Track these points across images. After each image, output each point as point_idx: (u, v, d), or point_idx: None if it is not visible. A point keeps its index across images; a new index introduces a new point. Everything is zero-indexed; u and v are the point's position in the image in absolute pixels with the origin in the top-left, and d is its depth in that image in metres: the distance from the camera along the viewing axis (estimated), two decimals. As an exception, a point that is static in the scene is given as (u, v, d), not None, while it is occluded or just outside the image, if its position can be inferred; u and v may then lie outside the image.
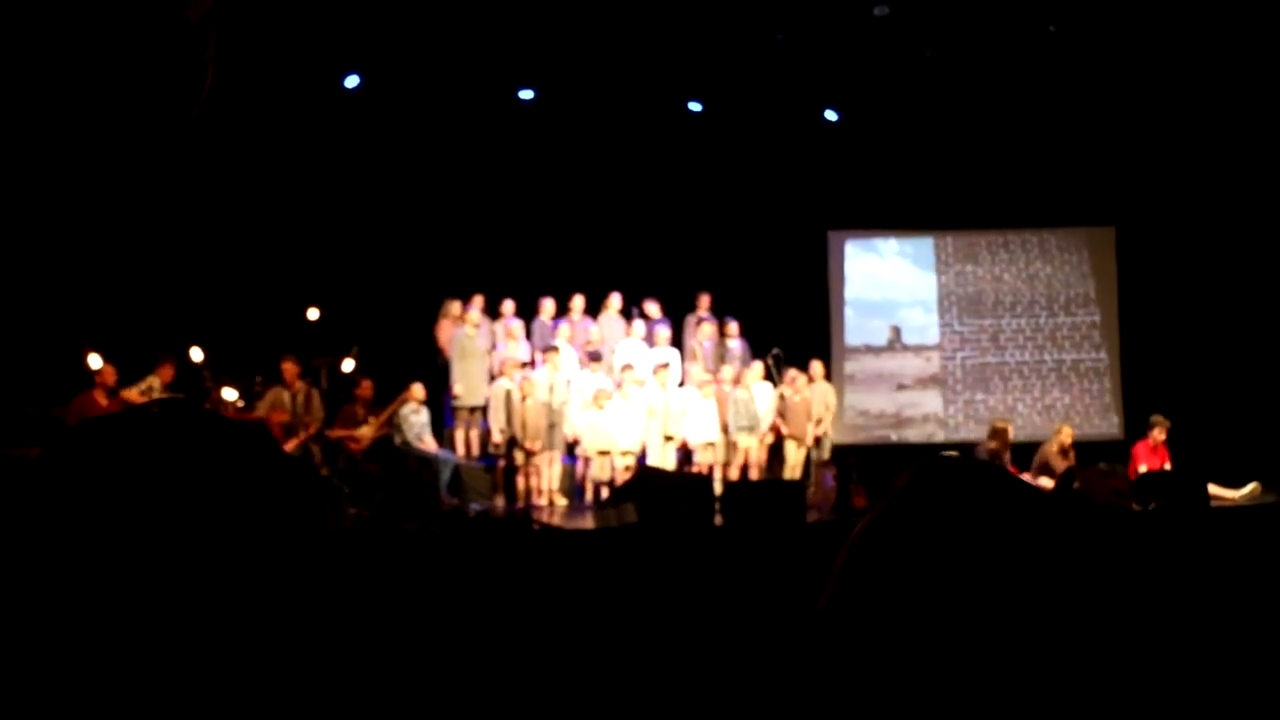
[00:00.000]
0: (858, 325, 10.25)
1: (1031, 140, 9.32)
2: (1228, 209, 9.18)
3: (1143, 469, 7.56)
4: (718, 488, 7.77)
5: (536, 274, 9.35)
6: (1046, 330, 9.75)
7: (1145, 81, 8.65)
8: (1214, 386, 8.84)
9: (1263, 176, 8.90)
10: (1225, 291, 9.21)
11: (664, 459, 8.33)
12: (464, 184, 9.71)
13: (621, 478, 8.06)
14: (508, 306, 9.03)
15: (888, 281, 10.37)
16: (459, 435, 8.71)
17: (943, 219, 10.10)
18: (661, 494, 7.19)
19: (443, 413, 8.79)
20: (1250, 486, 7.56)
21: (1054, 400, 9.51)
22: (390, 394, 8.24)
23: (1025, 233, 10.07)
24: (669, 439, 8.42)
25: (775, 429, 8.71)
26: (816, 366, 8.89)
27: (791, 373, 8.65)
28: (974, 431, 9.30)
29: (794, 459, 8.57)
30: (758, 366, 8.77)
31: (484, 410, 8.59)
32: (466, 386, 8.62)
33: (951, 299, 10.05)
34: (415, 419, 8.42)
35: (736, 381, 8.62)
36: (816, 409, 8.76)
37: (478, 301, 8.84)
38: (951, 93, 9.03)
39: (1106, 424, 9.50)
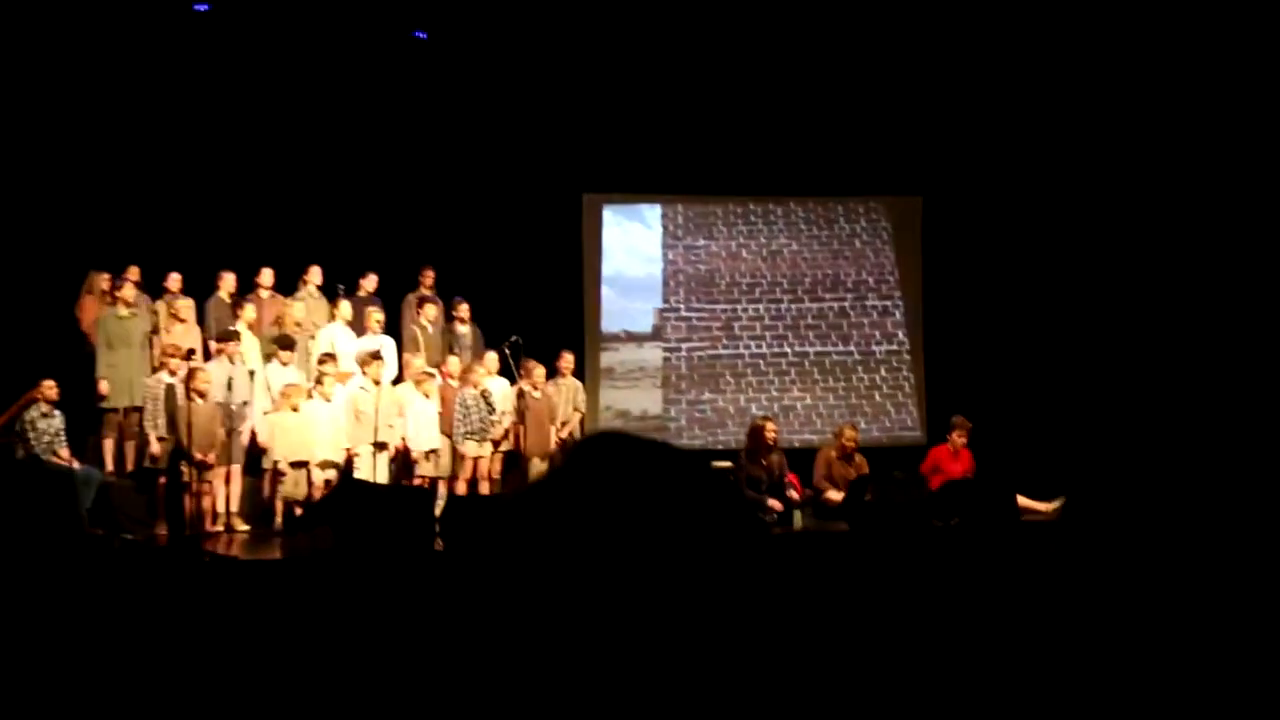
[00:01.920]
0: (618, 308, 8.81)
1: (828, 99, 8.46)
2: (1048, 182, 8.56)
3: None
4: (440, 505, 6.84)
5: (212, 241, 7.81)
6: (810, 317, 8.73)
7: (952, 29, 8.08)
8: (1024, 383, 8.25)
9: (1095, 150, 8.40)
10: (1041, 275, 8.53)
11: (374, 471, 7.18)
12: (120, 125, 7.87)
13: (321, 495, 6.92)
14: (173, 280, 7.50)
15: (654, 256, 8.93)
16: (107, 445, 7.21)
17: (719, 183, 8.90)
18: (367, 514, 6.22)
19: (85, 416, 7.27)
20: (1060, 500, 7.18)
21: (815, 400, 8.50)
22: (12, 392, 6.80)
23: (809, 201, 9.00)
24: (380, 447, 7.25)
25: (513, 434, 7.69)
26: (566, 359, 7.89)
27: (532, 365, 7.61)
28: (699, 437, 8.35)
29: (536, 471, 7.58)
30: (492, 358, 7.70)
31: (140, 413, 7.05)
32: (115, 382, 7.09)
33: (678, 279, 8.79)
34: (45, 424, 6.90)
35: (465, 376, 7.51)
36: (563, 410, 7.80)
37: (132, 273, 7.30)
38: (738, 38, 8.08)
39: (901, 425, 8.58)
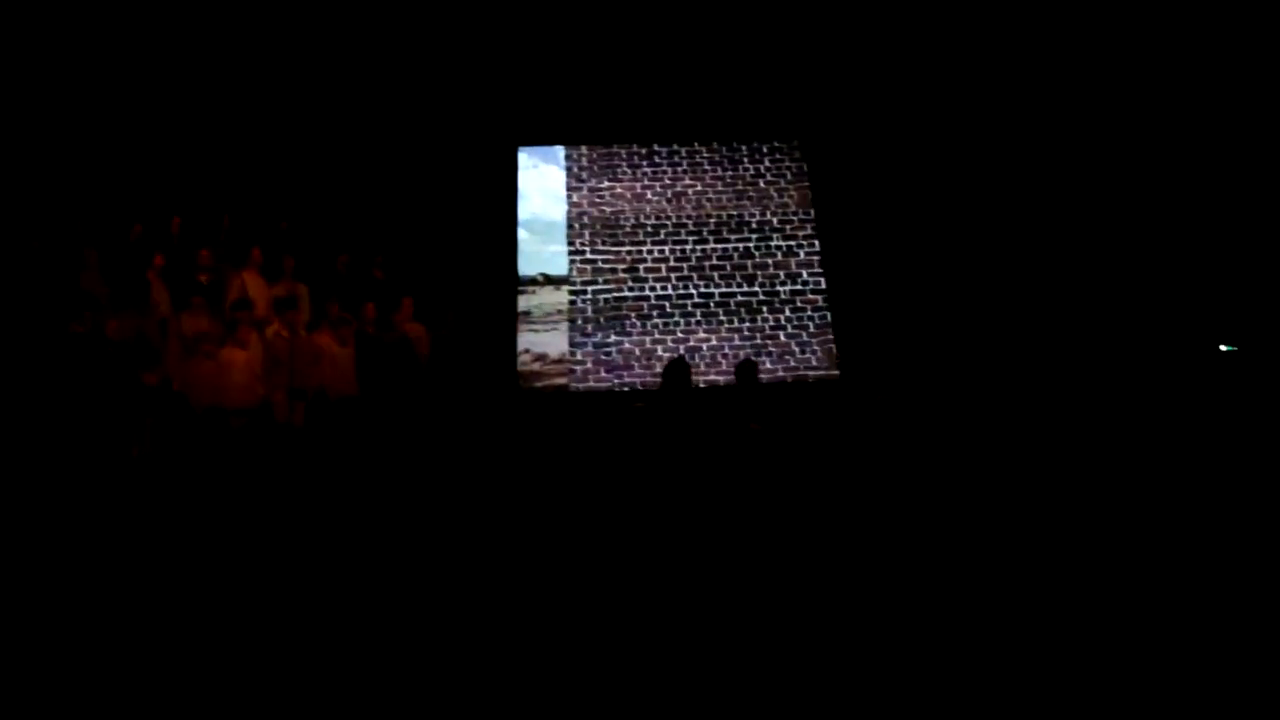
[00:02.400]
0: (533, 251, 8.97)
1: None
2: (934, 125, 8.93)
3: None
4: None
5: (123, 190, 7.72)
6: (715, 258, 8.95)
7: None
8: (930, 321, 8.56)
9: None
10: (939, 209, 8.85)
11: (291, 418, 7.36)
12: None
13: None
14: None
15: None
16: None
17: (625, 129, 9.06)
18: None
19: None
20: None
21: (721, 341, 8.66)
22: None
23: (712, 144, 9.17)
24: (298, 394, 7.43)
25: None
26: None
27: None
28: (605, 380, 8.55)
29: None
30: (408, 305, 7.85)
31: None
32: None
33: (583, 221, 8.97)
34: None
35: (383, 323, 7.70)
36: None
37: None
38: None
39: (805, 364, 8.65)
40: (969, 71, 8.85)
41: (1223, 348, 7.87)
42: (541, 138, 9.00)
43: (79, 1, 7.80)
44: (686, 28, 8.61)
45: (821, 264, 8.89)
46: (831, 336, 8.65)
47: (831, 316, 8.67)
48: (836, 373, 8.50)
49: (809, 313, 8.74)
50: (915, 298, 8.52)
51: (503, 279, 8.45)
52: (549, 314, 8.76)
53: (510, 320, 8.35)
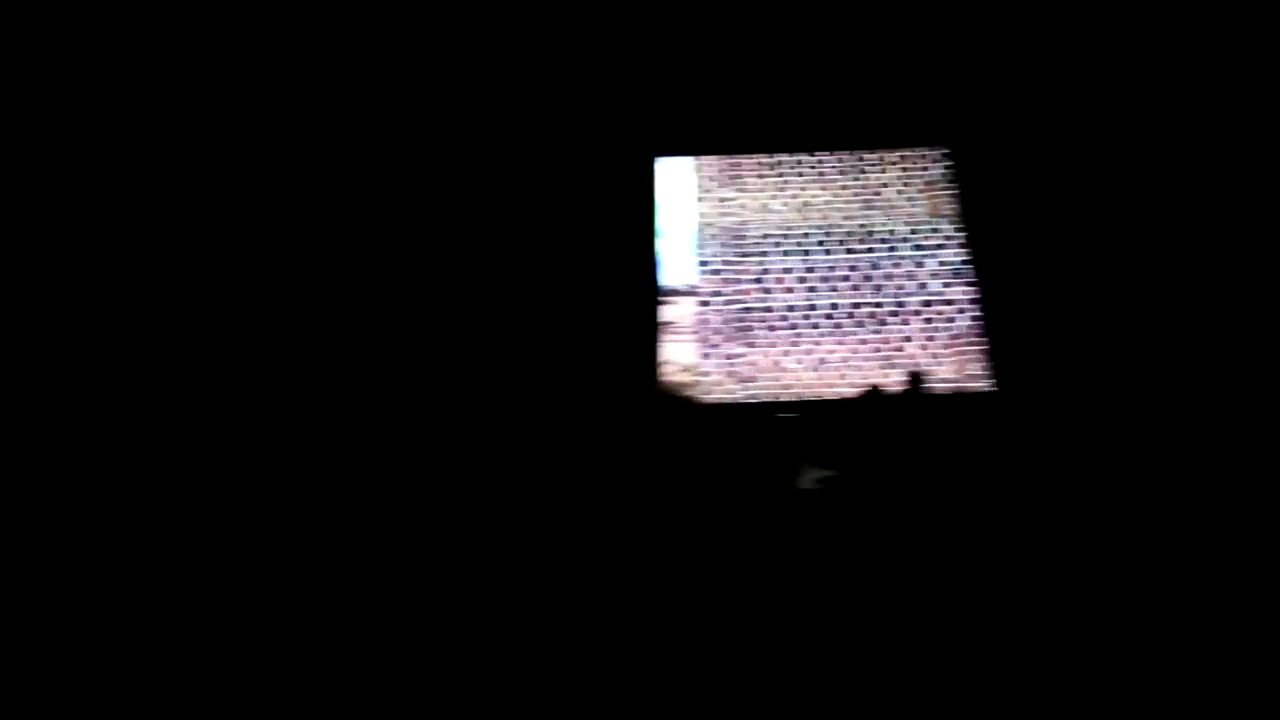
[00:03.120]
0: (675, 262, 8.73)
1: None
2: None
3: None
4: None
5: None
6: (843, 269, 8.70)
7: None
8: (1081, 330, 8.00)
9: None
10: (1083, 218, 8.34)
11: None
12: None
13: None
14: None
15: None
16: None
17: (754, 139, 8.83)
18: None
19: None
20: None
21: (849, 353, 8.38)
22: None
23: (839, 153, 8.94)
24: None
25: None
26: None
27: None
28: (733, 390, 8.37)
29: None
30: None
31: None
32: None
33: (710, 232, 8.87)
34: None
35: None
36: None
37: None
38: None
39: (931, 376, 8.21)
40: (1128, 73, 8.49)
41: None
42: (681, 148, 8.99)
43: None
44: (831, 34, 8.52)
45: (975, 274, 8.62)
46: (962, 348, 8.37)
47: (986, 327, 8.39)
48: (971, 385, 8.20)
49: (939, 324, 8.48)
50: (1077, 307, 8.18)
51: (642, 289, 8.44)
52: (672, 324, 8.67)
53: (651, 331, 8.31)
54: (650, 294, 8.75)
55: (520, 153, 8.61)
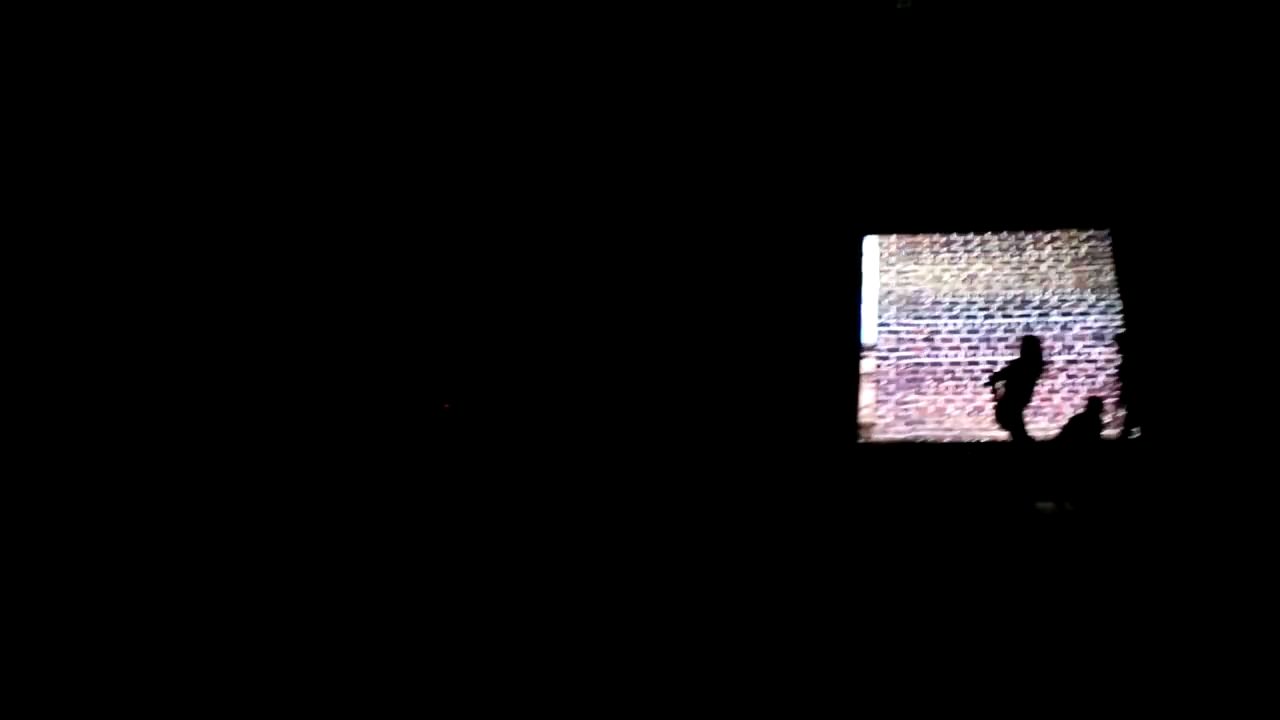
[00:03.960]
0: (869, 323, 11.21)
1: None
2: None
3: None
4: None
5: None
6: (1001, 330, 10.42)
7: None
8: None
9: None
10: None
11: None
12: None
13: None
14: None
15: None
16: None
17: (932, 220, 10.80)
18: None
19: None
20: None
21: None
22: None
23: (1001, 232, 10.79)
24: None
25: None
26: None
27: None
28: (904, 431, 10.34)
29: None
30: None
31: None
32: None
33: (890, 298, 10.77)
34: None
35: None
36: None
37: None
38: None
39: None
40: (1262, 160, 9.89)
41: None
42: (885, 227, 10.87)
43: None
44: (998, 137, 10.27)
45: (1120, 339, 10.20)
46: (1101, 401, 9.94)
47: (1127, 384, 10.01)
48: (1107, 433, 9.78)
49: (1080, 380, 10.04)
50: (1216, 371, 9.70)
51: (846, 346, 10.38)
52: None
53: (853, 382, 10.25)
54: (854, 348, 10.79)
55: (757, 232, 10.66)
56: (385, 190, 10.30)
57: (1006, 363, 9.03)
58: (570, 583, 4.98)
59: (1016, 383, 8.42)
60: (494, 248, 10.57)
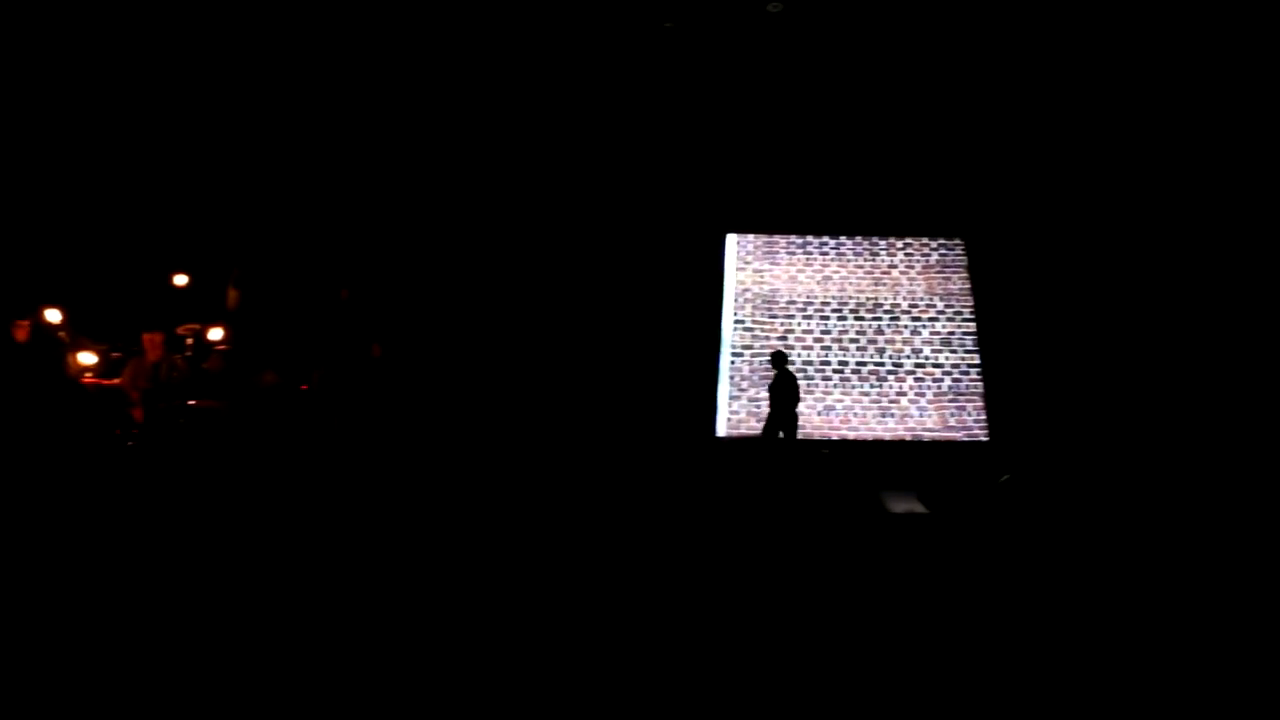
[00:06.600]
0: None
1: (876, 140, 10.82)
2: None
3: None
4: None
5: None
6: (851, 333, 10.80)
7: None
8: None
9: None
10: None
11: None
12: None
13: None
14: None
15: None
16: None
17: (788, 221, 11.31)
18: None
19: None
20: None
21: (852, 402, 10.52)
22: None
23: (856, 237, 11.21)
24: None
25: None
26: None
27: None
28: (756, 428, 10.44)
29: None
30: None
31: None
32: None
33: (746, 296, 11.07)
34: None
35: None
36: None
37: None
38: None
39: (921, 425, 10.49)
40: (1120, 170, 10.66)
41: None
42: (746, 227, 11.24)
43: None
44: (871, 141, 10.79)
45: (977, 343, 10.75)
46: (945, 403, 10.41)
47: (985, 387, 10.52)
48: (947, 435, 10.25)
49: (928, 383, 10.53)
50: (1067, 376, 10.33)
51: (707, 344, 10.71)
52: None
53: (711, 379, 10.56)
54: (715, 344, 11.00)
55: (621, 229, 10.94)
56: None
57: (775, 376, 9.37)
58: (426, 576, 5.07)
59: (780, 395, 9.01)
60: (361, 251, 10.65)
